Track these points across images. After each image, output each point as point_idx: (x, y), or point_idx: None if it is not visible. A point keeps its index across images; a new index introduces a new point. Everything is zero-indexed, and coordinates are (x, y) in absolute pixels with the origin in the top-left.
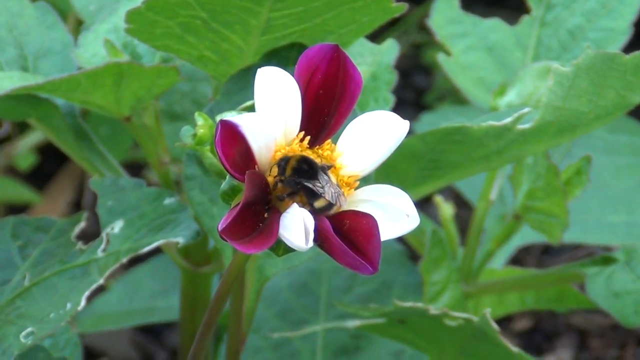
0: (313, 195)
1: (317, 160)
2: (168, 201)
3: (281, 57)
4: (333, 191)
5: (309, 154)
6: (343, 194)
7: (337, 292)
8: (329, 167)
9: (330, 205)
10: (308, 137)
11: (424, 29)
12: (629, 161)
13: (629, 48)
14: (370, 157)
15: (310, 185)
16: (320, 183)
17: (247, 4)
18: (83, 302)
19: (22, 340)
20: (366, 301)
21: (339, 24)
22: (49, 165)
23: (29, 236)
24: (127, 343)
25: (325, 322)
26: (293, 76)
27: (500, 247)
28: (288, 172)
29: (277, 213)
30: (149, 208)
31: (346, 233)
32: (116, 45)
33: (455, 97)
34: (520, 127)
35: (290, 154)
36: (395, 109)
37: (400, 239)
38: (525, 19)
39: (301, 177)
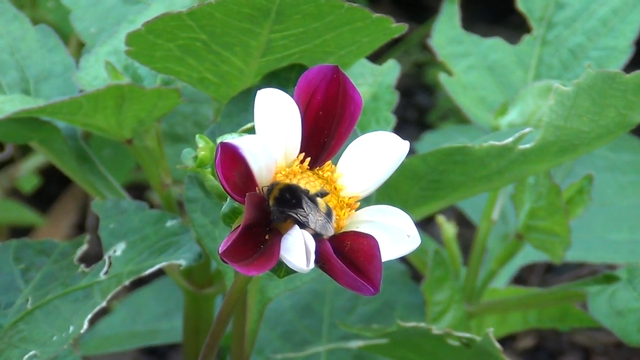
0: (299, 224)
1: (311, 185)
2: (170, 223)
3: (281, 78)
4: (319, 219)
5: (308, 175)
6: (329, 222)
7: (340, 312)
8: (323, 195)
9: (316, 233)
10: (308, 159)
11: (426, 47)
12: (631, 179)
13: (630, 67)
14: (370, 178)
15: (294, 214)
16: (304, 212)
17: (247, 25)
18: (86, 325)
19: None
20: (369, 321)
21: (339, 45)
22: (53, 187)
23: (31, 259)
24: None
25: (328, 343)
26: (293, 97)
27: (502, 267)
28: (271, 201)
29: (278, 235)
30: (151, 230)
31: (347, 254)
32: (117, 67)
33: (458, 116)
34: (522, 147)
35: (278, 182)
36: (398, 128)
37: (403, 259)
38: (526, 38)
39: (284, 206)
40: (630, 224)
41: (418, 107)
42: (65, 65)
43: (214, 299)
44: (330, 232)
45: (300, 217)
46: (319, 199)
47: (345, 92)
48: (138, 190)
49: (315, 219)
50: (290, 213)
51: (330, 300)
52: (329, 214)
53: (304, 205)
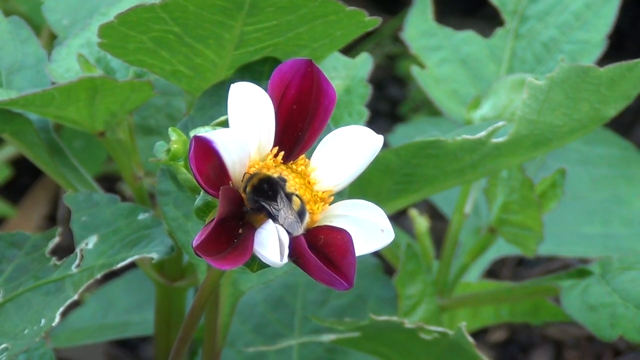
0: (270, 216)
1: (290, 184)
2: (142, 216)
3: (254, 71)
4: (289, 216)
5: (282, 169)
6: (299, 223)
7: (312, 306)
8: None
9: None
10: (282, 153)
11: (398, 40)
12: (604, 173)
13: (603, 61)
14: (344, 172)
15: (267, 206)
16: (277, 205)
17: (220, 18)
18: (57, 318)
19: None
20: (341, 315)
21: (312, 38)
22: (24, 178)
23: (2, 252)
24: (103, 357)
25: (300, 336)
26: (266, 91)
27: (475, 260)
28: (248, 189)
29: (251, 229)
30: (123, 223)
31: (321, 248)
32: (89, 60)
33: (430, 108)
34: (495, 140)
35: (259, 171)
36: (370, 121)
37: (376, 253)
38: (499, 31)
39: (259, 196)
40: (603, 218)
41: (390, 100)
42: (37, 57)
43: (185, 292)
44: (297, 232)
45: (272, 209)
46: (294, 197)
47: (319, 86)
48: (109, 182)
49: (285, 216)
50: (264, 204)
51: (303, 294)
52: (301, 213)
53: (279, 200)
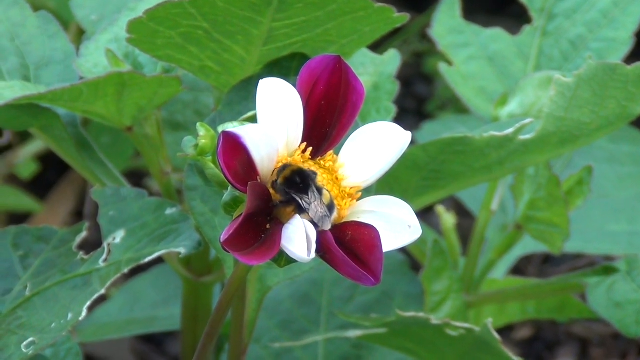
0: (300, 209)
1: (320, 178)
2: (170, 211)
3: (282, 67)
4: (319, 210)
5: (310, 165)
6: (329, 217)
7: (338, 302)
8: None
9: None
10: (310, 148)
11: (425, 37)
12: (630, 171)
13: (630, 58)
14: (372, 168)
15: (298, 199)
16: (308, 199)
17: (249, 14)
18: (84, 312)
19: (24, 350)
20: (367, 311)
21: (340, 34)
22: (51, 173)
23: (30, 246)
24: (129, 352)
25: (326, 332)
26: (295, 87)
27: (501, 257)
28: (280, 180)
29: (279, 224)
30: (151, 218)
31: (348, 244)
32: (117, 55)
33: (457, 106)
34: (522, 137)
35: (292, 163)
36: (397, 118)
37: (402, 249)
38: (526, 28)
39: (291, 188)
40: (629, 216)
41: (417, 97)
42: (65, 52)
43: (212, 287)
44: (327, 226)
45: (304, 202)
46: (325, 191)
47: (348, 82)
48: (136, 177)
49: (316, 209)
50: (295, 196)
51: (329, 290)
52: (331, 207)
53: (310, 193)
